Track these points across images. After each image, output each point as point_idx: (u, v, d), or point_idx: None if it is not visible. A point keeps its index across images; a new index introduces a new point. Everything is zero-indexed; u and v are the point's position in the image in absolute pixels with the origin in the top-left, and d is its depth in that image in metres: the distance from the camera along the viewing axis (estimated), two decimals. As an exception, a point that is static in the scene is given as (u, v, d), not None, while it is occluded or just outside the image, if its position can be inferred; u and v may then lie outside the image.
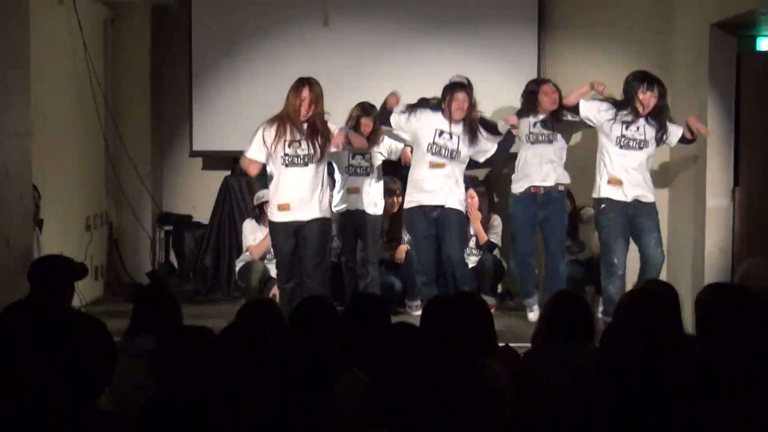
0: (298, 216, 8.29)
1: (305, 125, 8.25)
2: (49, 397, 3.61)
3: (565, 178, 9.24)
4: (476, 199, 9.93)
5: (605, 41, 10.96)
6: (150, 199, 11.21)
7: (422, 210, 8.87)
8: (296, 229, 8.32)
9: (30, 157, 7.81)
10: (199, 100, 11.14)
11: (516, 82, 10.28)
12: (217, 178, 11.18)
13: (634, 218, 8.74)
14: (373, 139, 9.36)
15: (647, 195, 8.74)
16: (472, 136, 8.84)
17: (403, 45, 11.02)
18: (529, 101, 9.25)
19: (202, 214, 11.28)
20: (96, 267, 10.49)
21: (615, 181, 8.68)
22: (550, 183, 9.15)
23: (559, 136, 9.19)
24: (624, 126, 8.66)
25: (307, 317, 4.89)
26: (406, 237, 9.90)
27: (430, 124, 8.82)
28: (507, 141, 9.12)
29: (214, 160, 11.36)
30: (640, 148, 8.69)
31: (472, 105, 8.85)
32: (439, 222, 8.87)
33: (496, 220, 10.12)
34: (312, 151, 8.23)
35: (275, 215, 8.38)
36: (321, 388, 3.88)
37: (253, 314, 5.03)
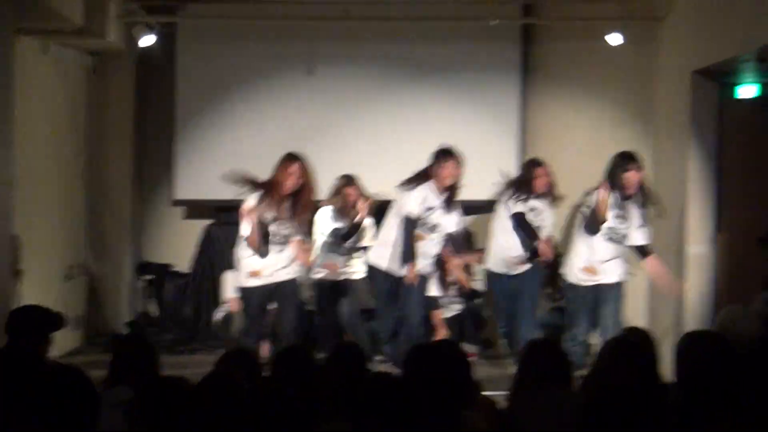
0: (270, 279, 8.48)
1: (290, 201, 8.34)
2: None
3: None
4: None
5: (588, 89, 11.00)
6: (130, 248, 11.18)
7: (388, 273, 8.98)
8: (270, 290, 8.51)
9: (11, 207, 7.80)
10: (181, 148, 11.13)
11: (499, 130, 10.34)
12: (198, 227, 11.17)
13: (600, 296, 8.84)
14: (362, 208, 9.38)
15: (617, 277, 8.87)
16: (449, 207, 8.90)
17: (387, 93, 11.05)
18: (524, 185, 9.25)
19: (183, 263, 11.26)
20: (75, 317, 10.42)
21: (590, 270, 8.79)
22: (525, 268, 9.27)
23: (546, 223, 9.30)
24: (617, 219, 8.70)
25: (287, 367, 4.85)
26: None
27: (422, 198, 8.85)
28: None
29: (196, 209, 11.34)
30: (621, 242, 8.81)
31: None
32: (402, 284, 8.91)
33: (477, 267, 10.09)
34: (294, 230, 8.42)
35: (247, 281, 8.53)
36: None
37: (232, 364, 4.99)
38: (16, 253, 8.39)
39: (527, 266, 9.23)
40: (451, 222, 8.96)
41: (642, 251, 8.90)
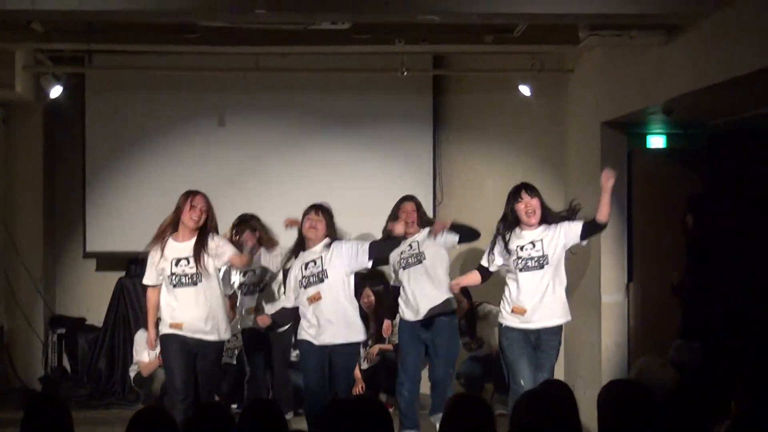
0: (192, 334, 7.91)
1: (192, 241, 7.96)
2: None
3: (446, 300, 8.71)
4: (372, 298, 9.86)
5: (500, 139, 11.14)
6: (42, 302, 11.02)
7: (315, 348, 8.19)
8: (190, 346, 7.91)
9: None
10: (92, 200, 11.03)
11: (412, 180, 10.39)
12: (111, 279, 11.04)
13: (537, 342, 8.00)
14: (267, 247, 9.07)
15: (553, 319, 8.03)
16: (333, 251, 8.21)
17: (299, 145, 11.06)
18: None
19: (96, 316, 11.11)
20: (-14, 372, 10.26)
21: (519, 310, 7.97)
22: (435, 304, 8.67)
23: (428, 251, 8.71)
24: (519, 248, 8.01)
25: (203, 426, 4.78)
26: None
27: (296, 264, 8.32)
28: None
29: (108, 261, 11.22)
30: (541, 266, 7.99)
31: (328, 226, 8.26)
32: (333, 361, 8.21)
33: (398, 319, 10.03)
34: (199, 269, 7.90)
35: (168, 329, 7.95)
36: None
37: (145, 424, 4.89)
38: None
39: (441, 313, 8.70)
40: (338, 266, 8.22)
41: (589, 228, 8.10)
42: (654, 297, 9.38)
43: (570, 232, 8.08)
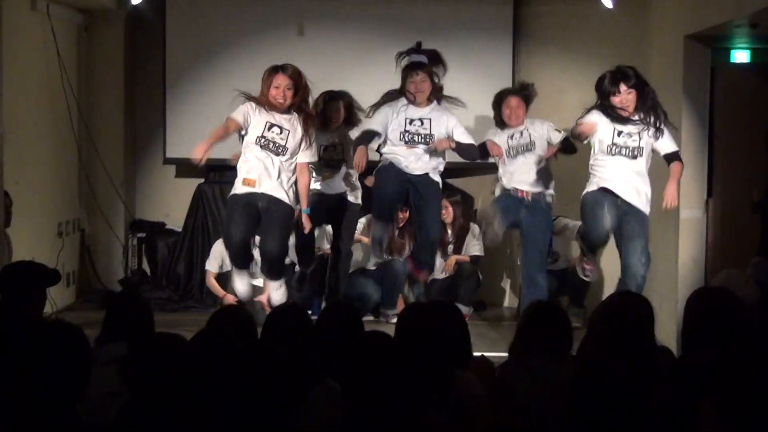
0: (263, 190, 7.94)
1: (292, 116, 8.03)
2: (26, 404, 3.58)
3: (549, 186, 8.92)
4: (450, 209, 9.85)
5: (580, 53, 10.98)
6: (123, 206, 11.17)
7: (398, 174, 8.49)
8: (259, 203, 7.94)
9: (2, 162, 7.77)
10: (172, 107, 11.10)
11: (490, 94, 10.28)
12: (190, 185, 11.14)
13: (622, 218, 8.09)
14: (348, 122, 9.07)
15: (639, 202, 8.12)
16: (444, 115, 8.49)
17: (377, 54, 10.97)
18: (498, 115, 9.05)
19: (175, 221, 11.25)
20: (68, 273, 10.43)
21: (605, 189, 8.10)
22: (537, 189, 8.83)
23: (536, 141, 8.91)
24: (616, 133, 8.16)
25: (280, 326, 4.85)
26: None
27: (397, 115, 8.47)
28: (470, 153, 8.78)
29: (188, 167, 11.25)
30: (633, 157, 8.11)
31: (435, 83, 8.53)
32: (415, 192, 8.54)
33: (477, 230, 10.02)
34: (288, 143, 7.96)
35: (238, 188, 8.04)
36: (293, 398, 3.84)
37: (224, 322, 4.98)
38: (8, 208, 8.36)
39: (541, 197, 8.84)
40: (440, 128, 8.52)
41: (668, 158, 8.22)
42: (733, 214, 9.28)
43: (662, 148, 8.10)
